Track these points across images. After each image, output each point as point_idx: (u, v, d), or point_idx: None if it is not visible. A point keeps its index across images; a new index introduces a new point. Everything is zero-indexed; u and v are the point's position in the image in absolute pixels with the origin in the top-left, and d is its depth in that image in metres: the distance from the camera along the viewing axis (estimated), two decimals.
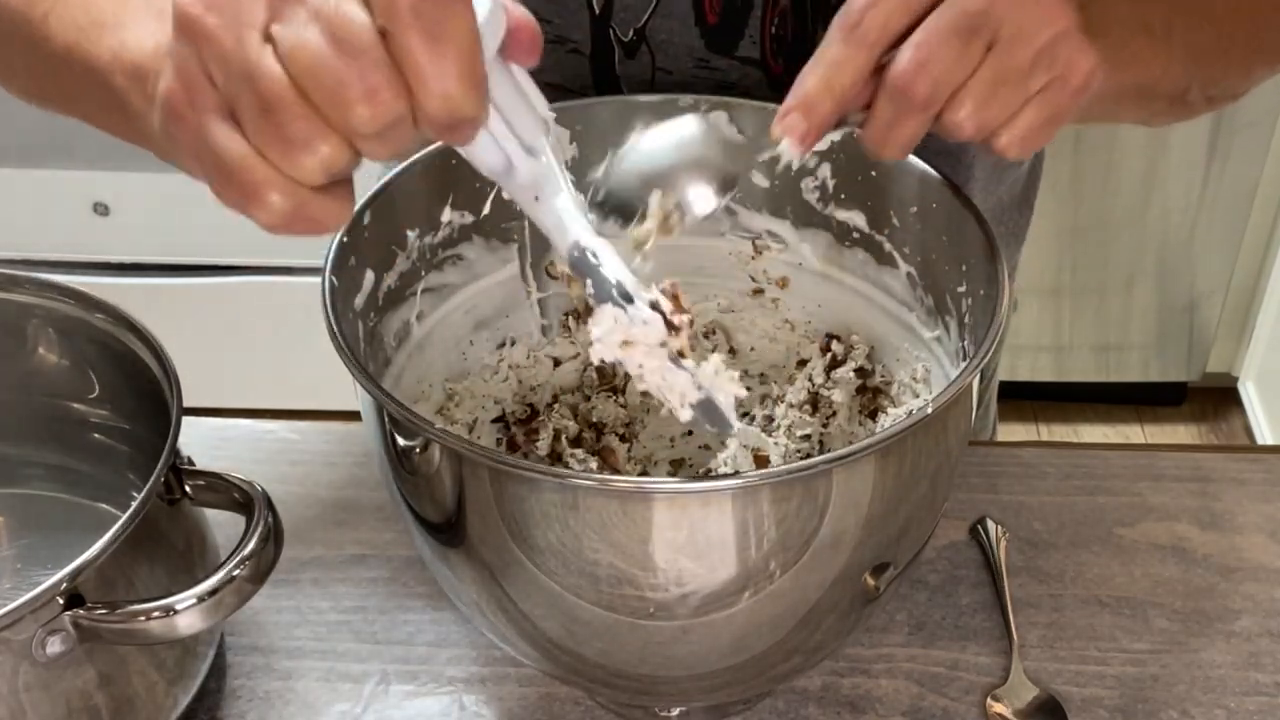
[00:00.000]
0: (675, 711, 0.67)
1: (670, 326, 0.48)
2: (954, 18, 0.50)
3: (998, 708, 0.68)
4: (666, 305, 0.49)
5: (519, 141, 0.48)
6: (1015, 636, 0.71)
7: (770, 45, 0.72)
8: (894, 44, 0.52)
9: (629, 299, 0.49)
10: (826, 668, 0.69)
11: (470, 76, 0.40)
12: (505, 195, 0.50)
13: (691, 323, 0.49)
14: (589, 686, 0.66)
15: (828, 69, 0.52)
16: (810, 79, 0.53)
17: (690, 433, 0.74)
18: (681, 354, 0.48)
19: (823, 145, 0.66)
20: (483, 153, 0.47)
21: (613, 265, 0.49)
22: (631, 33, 0.73)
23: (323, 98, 0.40)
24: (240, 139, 0.41)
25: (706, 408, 0.50)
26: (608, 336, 0.48)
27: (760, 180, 0.69)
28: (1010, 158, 0.54)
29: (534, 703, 0.68)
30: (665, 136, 0.57)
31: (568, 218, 0.49)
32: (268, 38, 0.40)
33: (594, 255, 0.49)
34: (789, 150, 0.53)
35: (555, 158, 0.49)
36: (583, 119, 0.67)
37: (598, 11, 0.72)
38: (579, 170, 0.65)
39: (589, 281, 0.49)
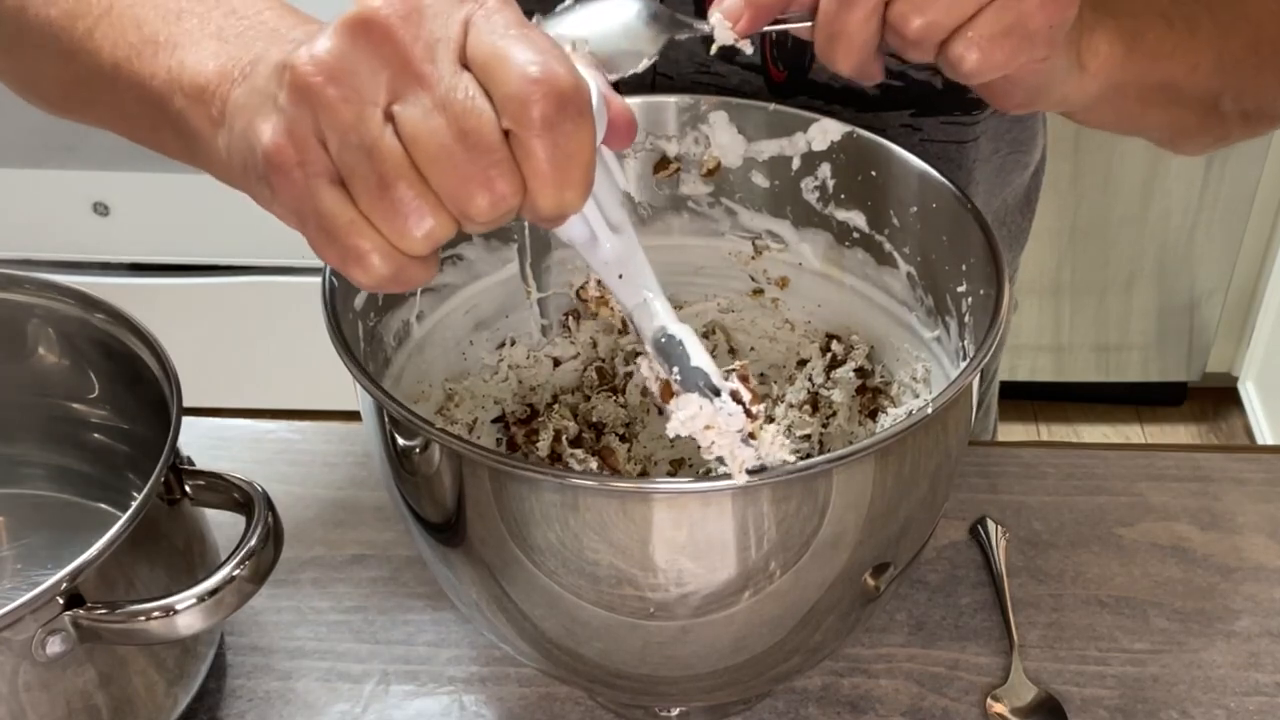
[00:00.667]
0: (675, 711, 0.67)
1: (749, 415, 0.50)
2: None
3: (998, 708, 0.68)
4: (745, 395, 0.51)
5: (605, 218, 0.49)
6: (1015, 636, 0.71)
7: (771, 51, 0.72)
8: None
9: (715, 391, 0.50)
10: (826, 668, 0.69)
11: (584, 183, 0.42)
12: (592, 274, 0.52)
13: (764, 410, 0.51)
14: (589, 686, 0.66)
15: None
16: None
17: None
18: (752, 435, 0.50)
19: (822, 145, 0.66)
20: (570, 226, 0.49)
21: (699, 355, 0.51)
22: None
23: (443, 184, 0.41)
24: (350, 205, 0.42)
25: (760, 470, 0.51)
26: (691, 421, 0.50)
27: (760, 180, 0.69)
28: (965, 73, 0.51)
29: (534, 703, 0.68)
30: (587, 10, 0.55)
31: (653, 299, 0.51)
32: (388, 116, 0.41)
33: (681, 344, 0.51)
34: (723, 33, 0.51)
35: (638, 241, 0.51)
36: None
37: None
38: None
39: (675, 369, 0.51)
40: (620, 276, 0.51)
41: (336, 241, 0.43)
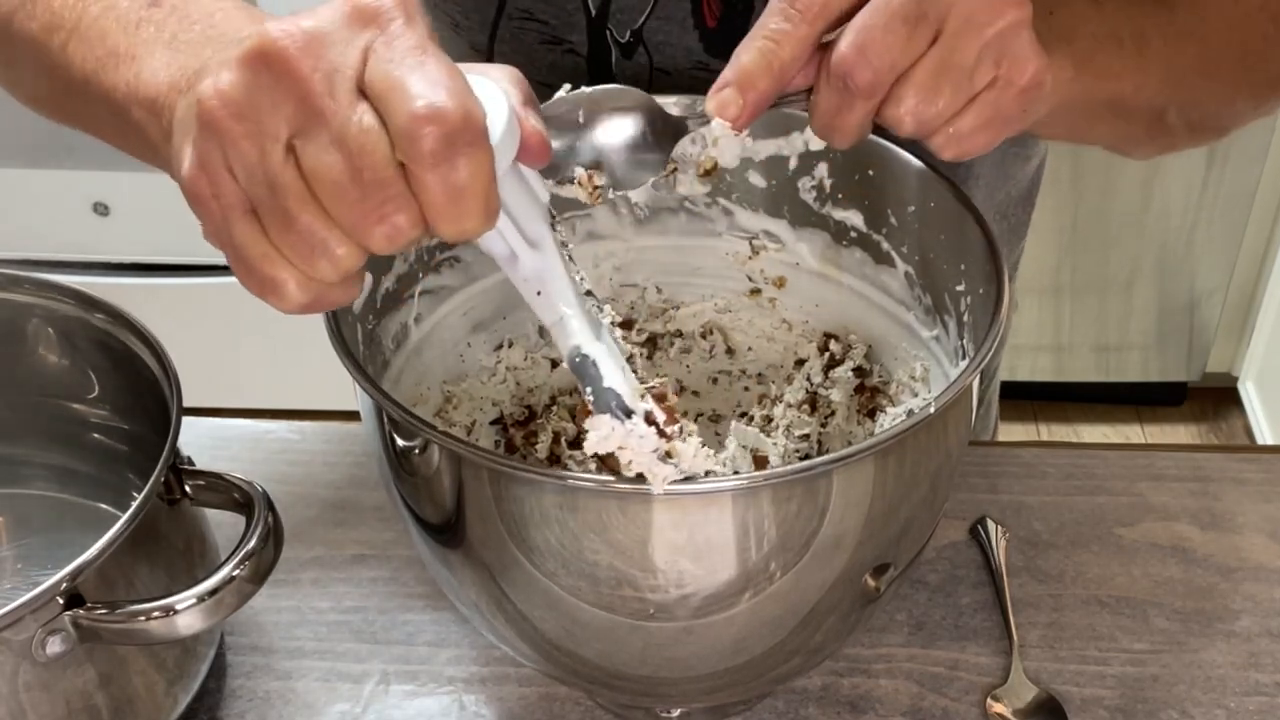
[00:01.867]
0: (675, 712, 0.67)
1: (662, 435, 0.50)
2: (901, 2, 0.49)
3: (998, 708, 0.68)
4: (660, 416, 0.50)
5: (522, 235, 0.49)
6: (1015, 636, 0.71)
7: None
8: (837, 22, 0.50)
9: (628, 412, 0.50)
10: (826, 668, 0.69)
11: (483, 211, 0.42)
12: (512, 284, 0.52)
13: (680, 429, 0.51)
14: (589, 688, 0.66)
15: (765, 44, 0.50)
16: (747, 54, 0.51)
17: None
18: (669, 454, 0.50)
19: (819, 144, 0.66)
20: (487, 242, 0.49)
21: (612, 375, 0.51)
22: (629, 34, 0.73)
23: (342, 217, 0.42)
24: (261, 236, 0.43)
25: (684, 480, 0.51)
26: (605, 442, 0.50)
27: (757, 180, 0.69)
28: (945, 159, 0.53)
29: (534, 703, 0.68)
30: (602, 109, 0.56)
31: (570, 320, 0.51)
32: (289, 149, 0.42)
33: (595, 364, 0.50)
34: (721, 130, 0.52)
35: (560, 255, 0.51)
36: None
37: (594, 13, 0.72)
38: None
39: (589, 389, 0.51)
40: (539, 294, 0.51)
41: (253, 271, 0.44)
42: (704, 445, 0.51)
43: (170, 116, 0.48)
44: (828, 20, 0.50)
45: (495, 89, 0.45)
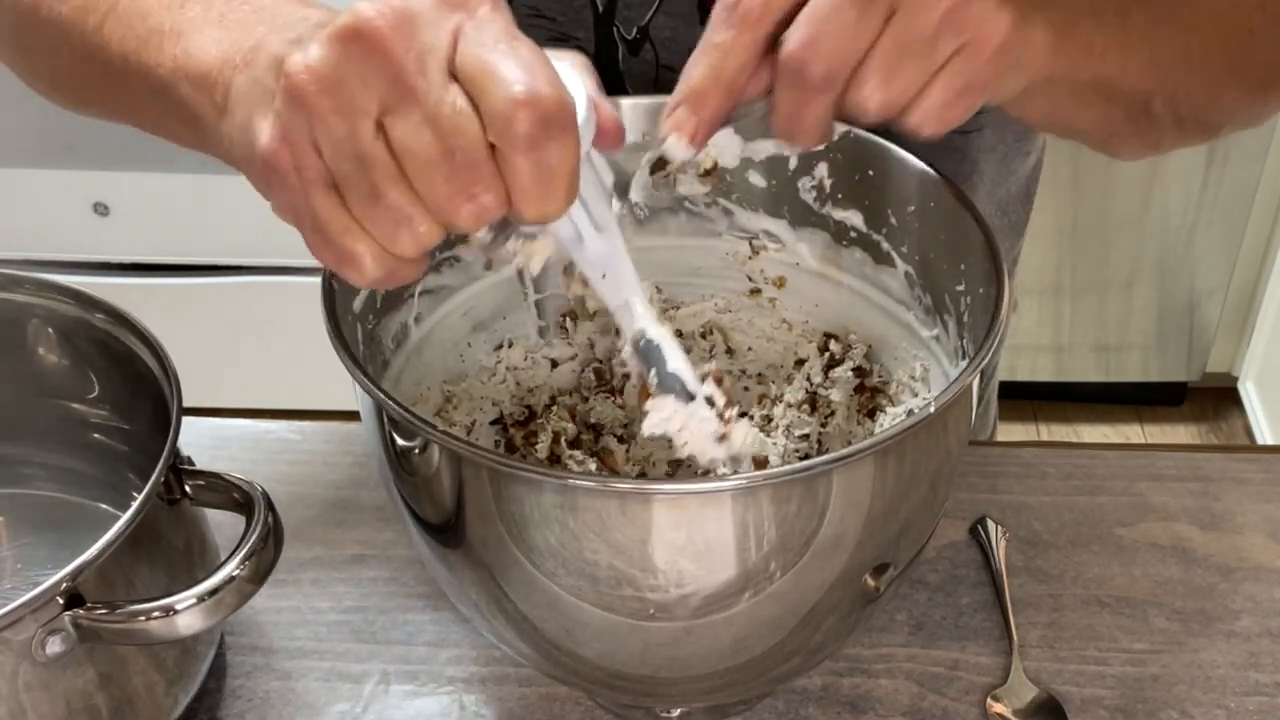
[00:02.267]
0: (675, 712, 0.67)
1: (721, 419, 0.52)
2: None
3: (998, 708, 0.68)
4: (720, 399, 0.52)
5: (591, 219, 0.50)
6: (1015, 636, 0.71)
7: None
8: (784, 21, 0.49)
9: (690, 395, 0.52)
10: (826, 668, 0.69)
11: (567, 196, 0.43)
12: (576, 271, 0.53)
13: (738, 412, 0.52)
14: (589, 688, 0.66)
15: (711, 56, 0.50)
16: (695, 69, 0.50)
17: None
18: (724, 437, 0.51)
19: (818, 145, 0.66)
20: (556, 226, 0.50)
21: (676, 358, 0.52)
22: (635, 31, 0.73)
23: (430, 195, 0.43)
24: (343, 210, 0.44)
25: (733, 463, 0.53)
26: (666, 423, 0.51)
27: (757, 180, 0.69)
28: (924, 135, 0.51)
29: (534, 703, 0.68)
30: None
31: (634, 301, 0.52)
32: (379, 126, 0.42)
33: (659, 348, 0.52)
34: (677, 148, 0.51)
35: (623, 242, 0.51)
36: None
37: (601, 10, 0.72)
38: None
39: (653, 370, 0.52)
40: (604, 276, 0.52)
41: (331, 244, 0.44)
42: (757, 427, 0.52)
43: (225, 92, 0.49)
44: (771, 22, 0.49)
45: (574, 74, 0.46)
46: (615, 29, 0.73)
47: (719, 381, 0.52)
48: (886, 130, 0.65)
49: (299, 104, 0.43)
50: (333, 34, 0.42)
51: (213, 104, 0.50)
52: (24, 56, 0.67)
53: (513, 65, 0.42)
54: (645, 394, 0.52)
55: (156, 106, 0.55)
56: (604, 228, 0.51)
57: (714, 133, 0.51)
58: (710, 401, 0.52)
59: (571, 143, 0.43)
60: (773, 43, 0.50)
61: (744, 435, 0.52)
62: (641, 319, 0.52)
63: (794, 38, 0.48)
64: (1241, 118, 0.69)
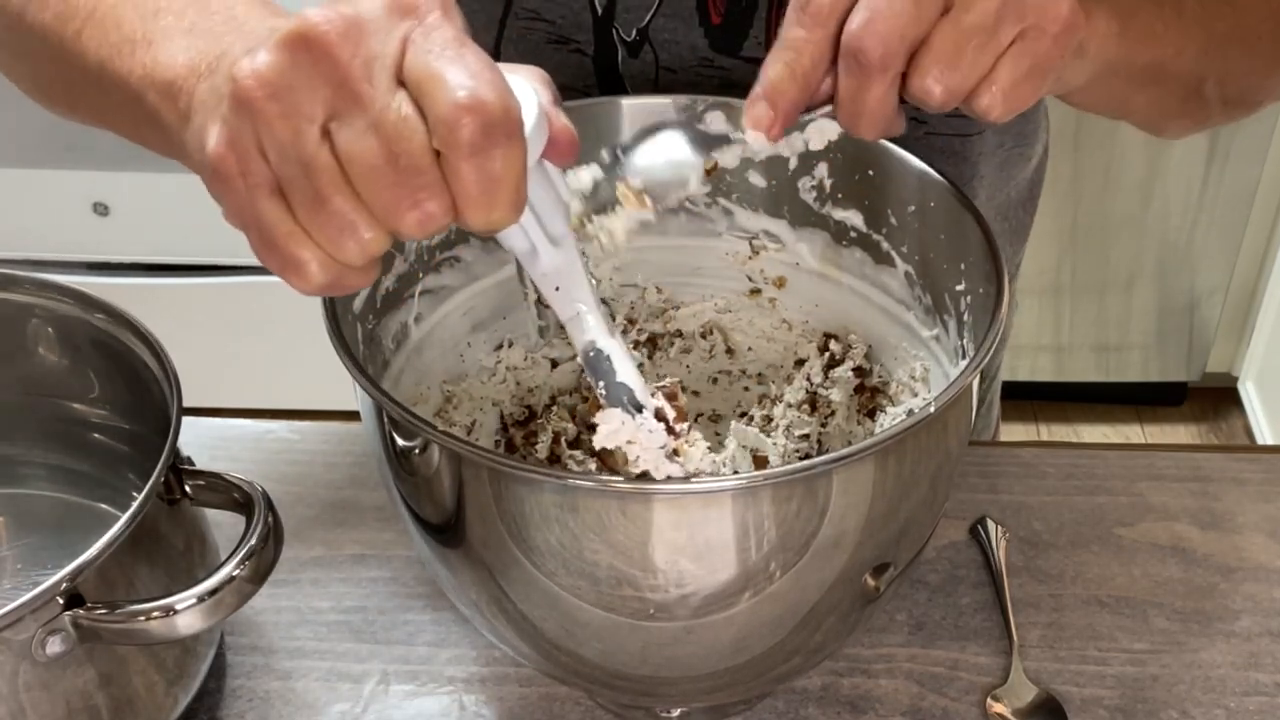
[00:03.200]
0: (676, 712, 0.67)
1: (671, 433, 0.51)
2: None
3: (998, 708, 0.68)
4: (669, 413, 0.52)
5: (545, 231, 0.50)
6: (1015, 636, 0.71)
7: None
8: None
9: (639, 408, 0.52)
10: (826, 668, 0.69)
11: (513, 205, 0.43)
12: (530, 281, 0.53)
13: (689, 427, 0.53)
14: (589, 687, 0.66)
15: (786, 53, 0.51)
16: (772, 66, 0.51)
17: None
18: (676, 451, 0.51)
19: (819, 145, 0.66)
20: (509, 237, 0.50)
21: (626, 371, 0.52)
22: (634, 33, 0.73)
23: (374, 201, 0.42)
24: (288, 216, 0.44)
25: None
26: (614, 435, 0.51)
27: (757, 180, 0.69)
28: (993, 119, 0.52)
29: (534, 703, 0.68)
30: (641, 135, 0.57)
31: (587, 316, 0.52)
32: (325, 132, 0.42)
33: (609, 359, 0.52)
34: (757, 141, 0.52)
35: (578, 254, 0.51)
36: (582, 119, 0.66)
37: (600, 12, 0.72)
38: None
39: (601, 384, 0.52)
40: (557, 289, 0.51)
41: (276, 250, 0.44)
42: (710, 449, 0.52)
43: (188, 100, 0.49)
44: (839, 18, 0.50)
45: (525, 85, 0.46)
46: (614, 31, 0.73)
47: (671, 397, 0.52)
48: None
49: (245, 109, 0.43)
50: (280, 40, 0.42)
51: (177, 112, 0.50)
52: (11, 61, 0.67)
53: (458, 71, 0.42)
54: (595, 407, 0.52)
55: (130, 115, 0.55)
56: (559, 241, 0.51)
57: (789, 125, 0.52)
58: (660, 415, 0.52)
59: (517, 150, 0.42)
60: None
61: (699, 453, 0.52)
62: (592, 330, 0.52)
63: (854, 20, 0.49)
64: None
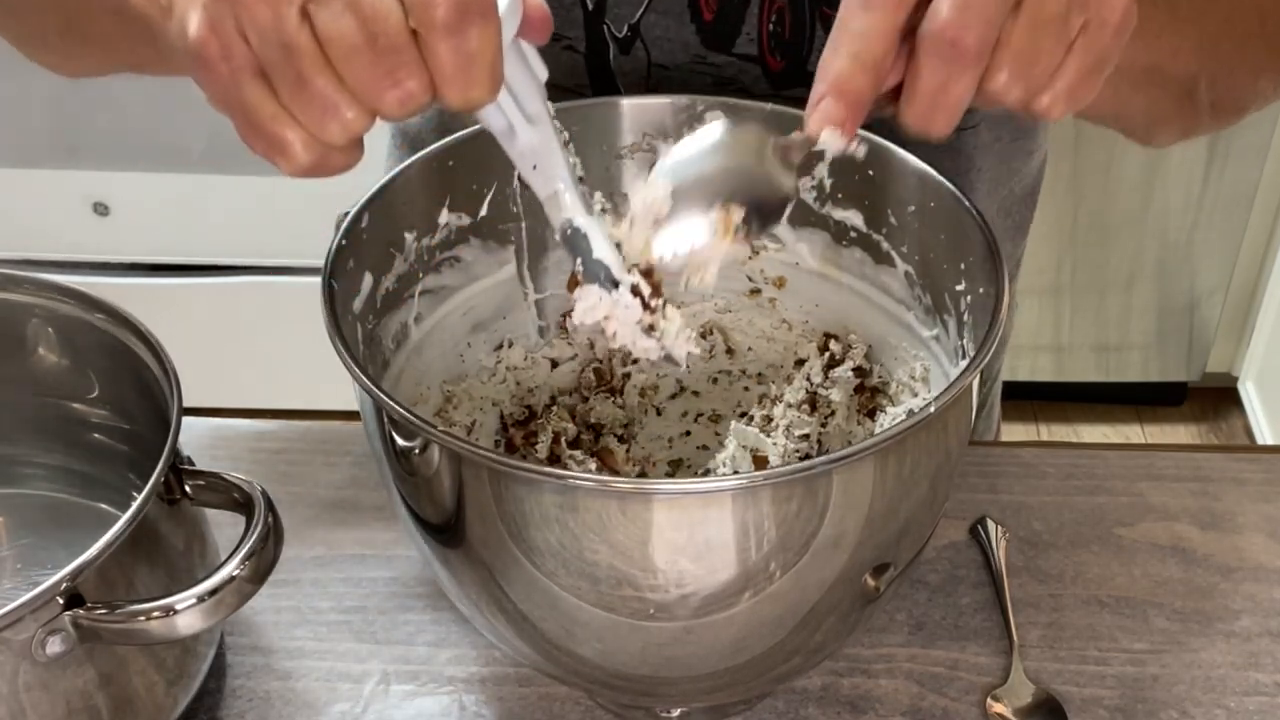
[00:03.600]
0: (675, 712, 0.67)
1: (646, 308, 0.52)
2: None
3: (998, 708, 0.68)
4: (645, 288, 0.53)
5: (521, 110, 0.51)
6: (1015, 636, 0.71)
7: (769, 42, 0.72)
8: (917, 6, 0.48)
9: (615, 283, 0.53)
10: (826, 668, 0.69)
11: (490, 81, 0.44)
12: (510, 157, 0.53)
13: (664, 302, 0.53)
14: (589, 687, 0.66)
15: (854, 42, 0.48)
16: (836, 59, 0.49)
17: (688, 433, 0.74)
18: (652, 327, 0.53)
19: (819, 145, 0.66)
20: (487, 116, 0.51)
21: (602, 247, 0.53)
22: (626, 29, 0.73)
23: (354, 80, 0.43)
24: (271, 98, 0.45)
25: (666, 359, 0.54)
26: (591, 311, 0.53)
27: None
28: (1054, 118, 0.50)
29: (534, 703, 0.68)
30: (698, 146, 0.53)
31: (564, 191, 0.53)
32: (304, 14, 0.43)
33: (585, 237, 0.53)
34: (833, 141, 0.49)
35: (556, 134, 0.52)
36: (580, 119, 0.67)
37: (591, 8, 0.72)
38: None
39: (579, 260, 0.53)
40: (534, 168, 0.52)
41: (261, 131, 0.45)
42: (686, 327, 0.53)
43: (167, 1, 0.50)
44: (909, 5, 0.48)
45: None
46: (606, 27, 0.73)
47: (647, 273, 0.53)
48: (887, 129, 0.65)
49: None
50: None
51: (159, 8, 0.51)
52: (13, 19, 0.68)
53: None
54: (574, 284, 0.53)
55: (123, 34, 0.57)
56: (536, 120, 0.51)
57: (861, 120, 0.49)
58: (635, 291, 0.52)
59: (491, 28, 0.43)
60: (907, 29, 0.48)
61: (675, 326, 0.53)
62: (569, 208, 0.53)
63: (943, 11, 0.46)
64: (1272, 96, 0.70)
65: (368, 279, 0.62)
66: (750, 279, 0.72)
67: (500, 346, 0.71)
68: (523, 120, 0.51)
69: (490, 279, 0.69)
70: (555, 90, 0.52)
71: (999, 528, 0.77)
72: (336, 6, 0.43)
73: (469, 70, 0.43)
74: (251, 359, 1.93)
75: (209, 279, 1.88)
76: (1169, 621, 0.72)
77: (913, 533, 0.57)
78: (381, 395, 0.52)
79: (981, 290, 0.59)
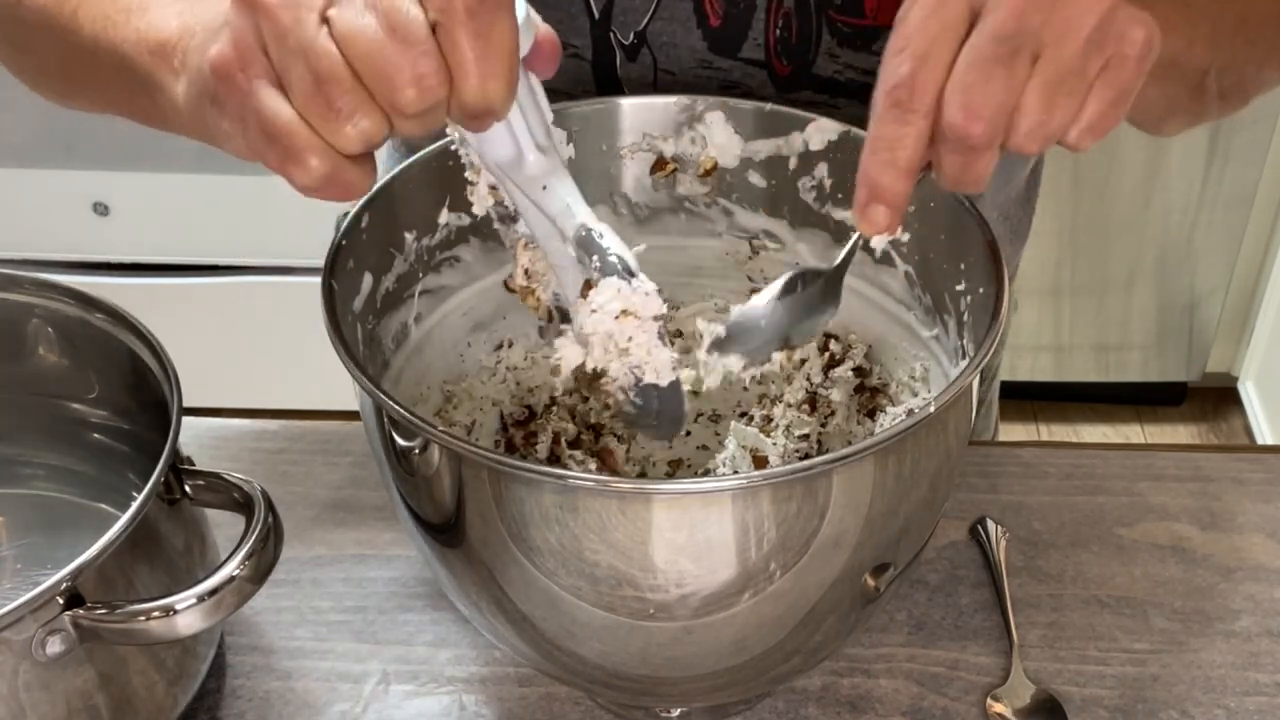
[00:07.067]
0: (675, 712, 0.67)
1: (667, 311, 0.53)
2: (990, 48, 0.47)
3: (998, 708, 0.68)
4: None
5: (531, 135, 0.52)
6: (1015, 636, 0.71)
7: (775, 47, 0.72)
8: (940, 91, 0.49)
9: (632, 274, 0.53)
10: (826, 668, 0.69)
11: (508, 74, 0.45)
12: (503, 193, 0.54)
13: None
14: (589, 687, 0.66)
15: (888, 151, 0.50)
16: (874, 167, 0.50)
17: (688, 433, 0.74)
18: (679, 333, 0.52)
19: (819, 144, 0.66)
20: (496, 144, 0.51)
21: (616, 245, 0.54)
22: (632, 36, 0.73)
23: (374, 79, 0.44)
24: (288, 106, 0.45)
25: (672, 392, 0.55)
26: (608, 305, 0.53)
27: (757, 180, 0.69)
28: (1082, 150, 0.51)
29: (534, 703, 0.68)
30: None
31: (574, 204, 0.54)
32: (324, 19, 0.44)
33: (600, 236, 0.54)
34: (881, 241, 0.53)
35: (563, 163, 0.54)
36: (580, 119, 0.67)
37: (597, 15, 0.72)
38: (576, 170, 0.65)
39: (594, 258, 0.54)
40: (544, 188, 0.53)
41: (276, 141, 0.45)
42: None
43: (183, 57, 0.51)
44: (931, 103, 0.49)
45: None
46: (612, 34, 0.73)
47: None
48: None
49: (248, 5, 0.44)
50: None
51: (170, 69, 0.51)
52: (12, 51, 0.69)
53: None
54: (588, 288, 0.54)
55: (123, 83, 0.57)
56: (544, 150, 0.53)
57: (904, 212, 0.52)
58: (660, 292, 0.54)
59: (509, 20, 0.44)
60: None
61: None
62: (581, 215, 0.54)
63: (952, 107, 0.48)
64: (1275, 84, 0.70)
65: (368, 279, 0.62)
66: (750, 279, 0.72)
67: (500, 346, 0.71)
68: (532, 144, 0.52)
69: (490, 279, 0.69)
70: (562, 97, 0.53)
71: (999, 528, 0.77)
72: (358, 4, 0.44)
73: (488, 59, 0.44)
74: (251, 359, 1.93)
75: (209, 279, 1.88)
76: (1169, 621, 0.72)
77: (913, 533, 0.57)
78: (381, 395, 0.52)
79: (981, 290, 0.59)
